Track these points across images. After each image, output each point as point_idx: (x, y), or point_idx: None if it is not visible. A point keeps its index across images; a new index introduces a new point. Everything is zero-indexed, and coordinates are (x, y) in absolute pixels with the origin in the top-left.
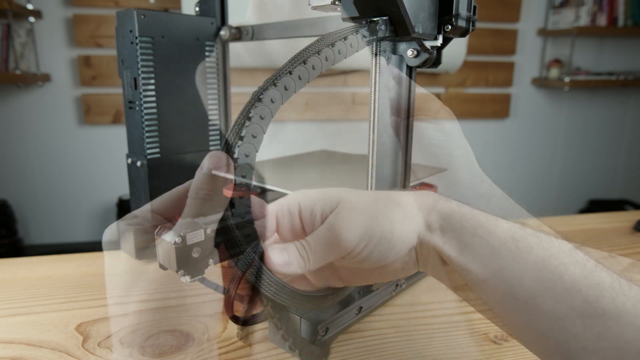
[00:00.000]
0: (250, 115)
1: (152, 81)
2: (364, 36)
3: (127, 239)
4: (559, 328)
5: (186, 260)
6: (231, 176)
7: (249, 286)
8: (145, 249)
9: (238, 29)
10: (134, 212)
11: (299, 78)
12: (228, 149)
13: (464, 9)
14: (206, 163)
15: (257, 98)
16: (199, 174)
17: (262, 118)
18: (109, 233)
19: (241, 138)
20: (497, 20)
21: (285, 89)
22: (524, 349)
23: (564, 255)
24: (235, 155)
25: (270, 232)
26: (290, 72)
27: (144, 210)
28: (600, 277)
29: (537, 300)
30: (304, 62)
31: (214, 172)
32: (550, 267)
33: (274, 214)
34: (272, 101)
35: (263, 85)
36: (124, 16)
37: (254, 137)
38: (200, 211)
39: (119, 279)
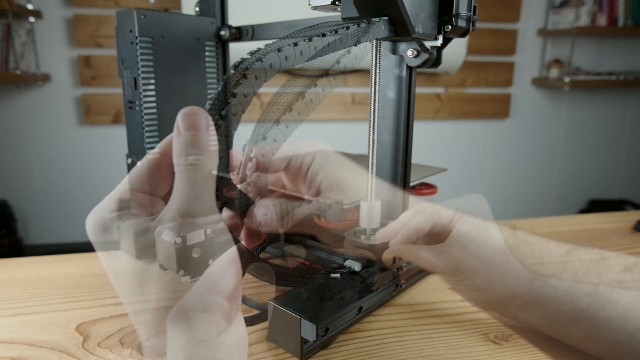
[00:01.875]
0: (247, 74)
1: (152, 81)
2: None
3: (126, 238)
4: None
5: (186, 261)
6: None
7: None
8: (145, 249)
9: (238, 29)
10: (113, 198)
11: (301, 54)
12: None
13: (464, 9)
14: (181, 122)
15: (257, 58)
16: (180, 137)
17: (256, 78)
18: (95, 225)
19: (234, 95)
20: (497, 20)
21: (286, 59)
22: (524, 349)
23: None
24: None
25: None
26: (295, 44)
27: (121, 193)
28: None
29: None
30: (309, 39)
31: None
32: (627, 333)
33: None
34: (270, 66)
35: (264, 48)
36: (124, 16)
37: (245, 96)
38: (195, 178)
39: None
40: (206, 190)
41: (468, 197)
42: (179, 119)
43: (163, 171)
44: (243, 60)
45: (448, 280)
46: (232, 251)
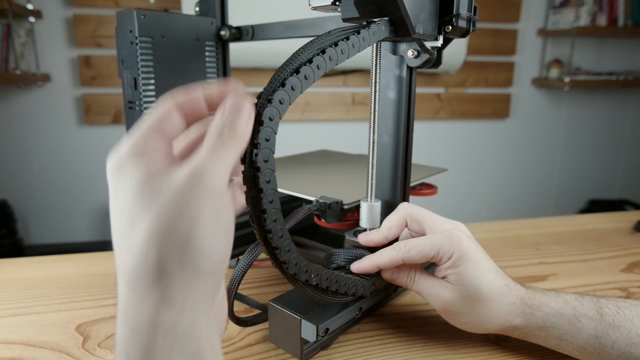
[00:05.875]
0: (272, 97)
1: (152, 81)
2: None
3: None
4: None
5: None
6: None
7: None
8: None
9: (238, 29)
10: (129, 140)
11: (318, 67)
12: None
13: (464, 9)
14: (229, 104)
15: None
16: (222, 115)
17: (281, 102)
18: (112, 166)
19: (270, 101)
20: (497, 20)
21: (318, 67)
22: (524, 350)
23: None
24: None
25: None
26: (310, 61)
27: (144, 134)
28: None
29: None
30: (323, 52)
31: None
32: (632, 357)
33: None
34: (292, 88)
35: (294, 59)
36: (124, 16)
37: (270, 119)
38: (228, 144)
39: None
40: (230, 156)
41: (448, 233)
42: (229, 100)
43: (176, 117)
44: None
45: (442, 316)
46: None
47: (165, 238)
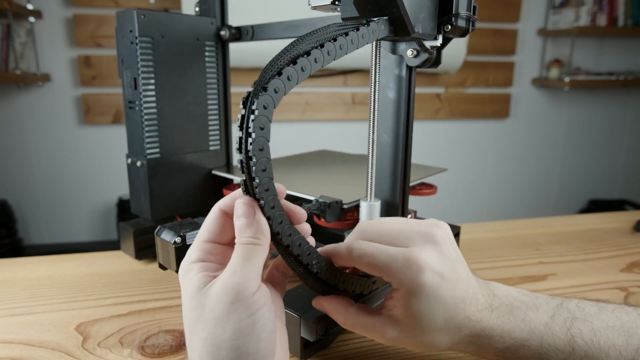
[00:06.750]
0: (267, 86)
1: (152, 81)
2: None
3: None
4: None
5: None
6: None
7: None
8: (144, 250)
9: (238, 29)
10: (192, 249)
11: (315, 61)
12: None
13: (463, 9)
14: (236, 211)
15: (277, 72)
16: (237, 221)
17: (289, 79)
18: (181, 271)
19: (265, 89)
20: (497, 20)
21: (302, 69)
22: None
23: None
24: (251, 130)
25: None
26: (308, 54)
27: (200, 244)
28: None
29: None
30: (321, 46)
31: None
32: None
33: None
34: (288, 79)
35: (280, 64)
36: (124, 16)
37: (276, 92)
38: (246, 253)
39: (119, 278)
40: (254, 265)
41: (409, 259)
42: (235, 208)
43: (226, 224)
44: (277, 59)
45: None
46: (216, 205)
47: (216, 349)
